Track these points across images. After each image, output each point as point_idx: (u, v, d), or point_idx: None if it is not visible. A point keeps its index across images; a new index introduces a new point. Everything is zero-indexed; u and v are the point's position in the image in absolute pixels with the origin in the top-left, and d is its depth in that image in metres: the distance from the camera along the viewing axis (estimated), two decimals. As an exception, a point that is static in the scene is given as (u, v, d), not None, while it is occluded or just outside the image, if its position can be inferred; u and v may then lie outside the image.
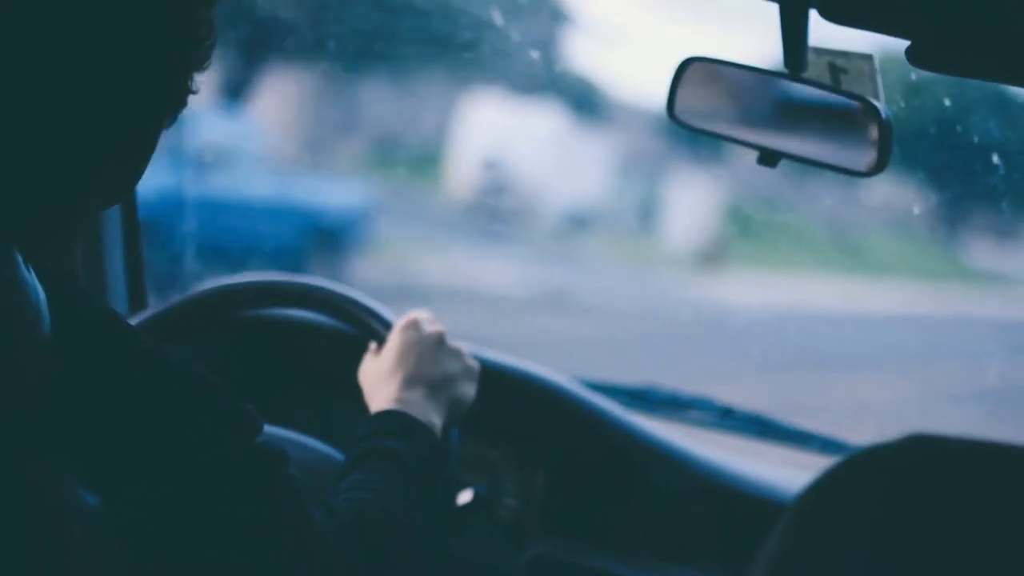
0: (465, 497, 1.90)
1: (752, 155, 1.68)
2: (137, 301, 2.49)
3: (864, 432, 2.28)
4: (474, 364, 1.77)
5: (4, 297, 1.13)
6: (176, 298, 1.97)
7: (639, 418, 2.31)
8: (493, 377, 1.91)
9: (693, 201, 16.99)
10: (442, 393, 1.71)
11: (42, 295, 1.17)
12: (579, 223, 17.52)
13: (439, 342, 1.75)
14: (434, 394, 1.70)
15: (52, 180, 1.25)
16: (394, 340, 1.76)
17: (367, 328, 1.85)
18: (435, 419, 1.67)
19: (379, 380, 1.73)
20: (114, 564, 1.18)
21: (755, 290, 15.12)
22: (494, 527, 2.21)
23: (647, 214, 18.33)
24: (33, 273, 1.17)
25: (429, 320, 1.79)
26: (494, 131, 16.85)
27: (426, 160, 17.15)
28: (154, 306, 2.00)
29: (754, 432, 2.54)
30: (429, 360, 1.73)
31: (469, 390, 1.76)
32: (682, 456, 2.25)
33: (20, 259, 1.16)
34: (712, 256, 16.52)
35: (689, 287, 15.60)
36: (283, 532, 1.30)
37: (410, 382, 1.70)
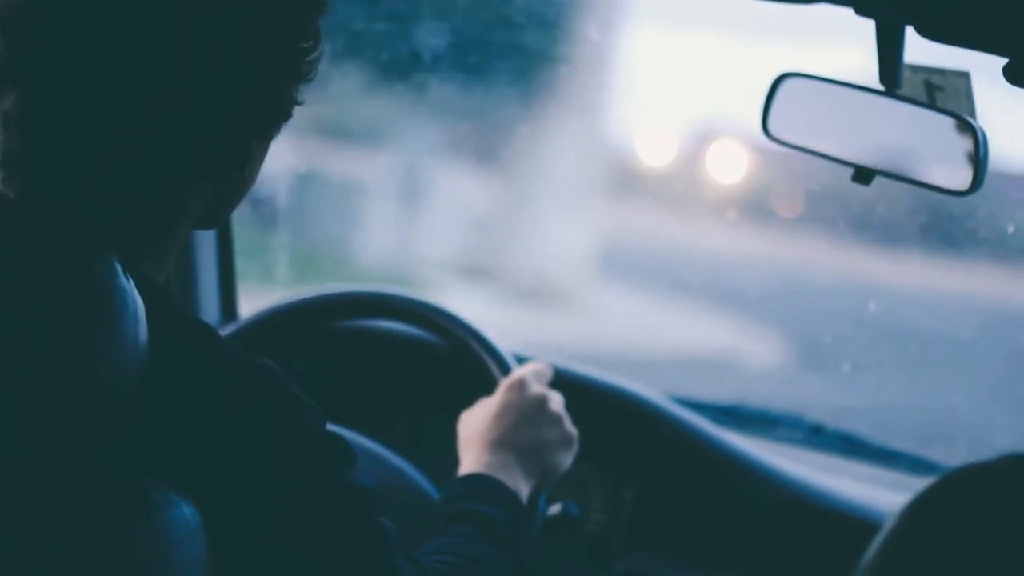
0: (553, 510, 1.89)
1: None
2: (229, 311, 2.51)
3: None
4: (573, 432, 1.73)
5: (104, 305, 1.14)
6: (268, 308, 1.98)
7: (728, 434, 2.30)
8: (582, 392, 1.91)
9: None
10: (533, 460, 1.67)
11: (140, 304, 1.18)
12: None
13: (540, 406, 1.71)
14: (524, 460, 1.66)
15: (149, 191, 1.25)
16: (496, 397, 1.72)
17: (482, 366, 1.85)
18: (522, 486, 1.64)
19: (474, 435, 1.70)
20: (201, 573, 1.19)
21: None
22: (582, 542, 2.21)
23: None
24: (132, 282, 1.18)
25: (538, 375, 1.76)
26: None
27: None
28: (246, 317, 2.01)
29: (842, 450, 2.52)
30: (526, 425, 1.69)
31: (564, 459, 1.72)
32: (771, 473, 2.23)
33: (119, 268, 1.17)
34: None
35: None
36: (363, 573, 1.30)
37: (501, 445, 1.66)
